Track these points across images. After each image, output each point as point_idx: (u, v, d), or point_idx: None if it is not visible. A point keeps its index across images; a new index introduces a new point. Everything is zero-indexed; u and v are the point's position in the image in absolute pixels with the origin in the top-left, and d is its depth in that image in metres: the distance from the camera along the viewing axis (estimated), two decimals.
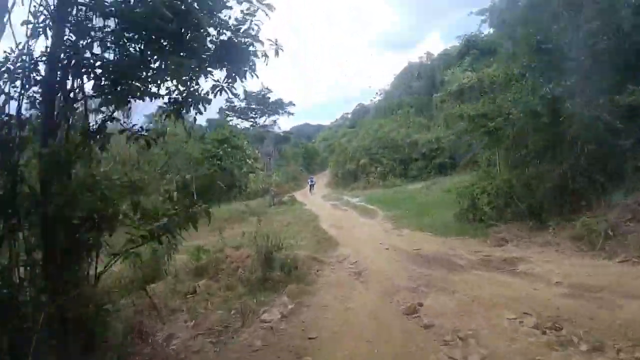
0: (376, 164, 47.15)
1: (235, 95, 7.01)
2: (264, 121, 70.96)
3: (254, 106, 69.86)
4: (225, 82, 6.40)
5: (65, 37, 5.34)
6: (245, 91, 68.47)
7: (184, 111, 6.48)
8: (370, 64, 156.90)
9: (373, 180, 46.06)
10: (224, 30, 6.08)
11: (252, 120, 70.73)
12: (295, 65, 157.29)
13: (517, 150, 16.01)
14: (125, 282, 9.50)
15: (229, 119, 69.66)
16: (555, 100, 13.35)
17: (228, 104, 68.52)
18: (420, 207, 24.90)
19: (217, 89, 6.49)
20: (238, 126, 69.04)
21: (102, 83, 5.56)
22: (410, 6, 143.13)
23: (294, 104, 72.49)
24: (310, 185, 49.69)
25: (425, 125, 48.22)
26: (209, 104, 6.29)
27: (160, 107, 6.72)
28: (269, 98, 70.09)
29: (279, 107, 71.04)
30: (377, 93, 67.00)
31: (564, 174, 14.09)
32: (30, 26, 5.19)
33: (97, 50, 5.63)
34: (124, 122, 6.73)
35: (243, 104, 69.48)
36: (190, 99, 6.28)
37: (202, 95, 6.37)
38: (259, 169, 50.98)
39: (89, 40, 5.48)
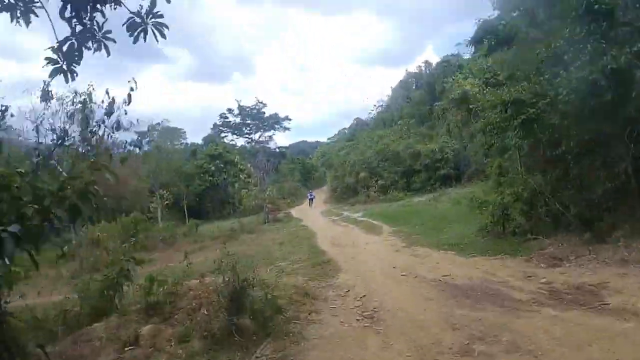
0: (377, 177, 43.78)
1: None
2: (259, 137, 67.73)
3: (248, 121, 66.66)
4: None
5: None
6: (239, 106, 65.58)
7: None
8: (367, 80, 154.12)
9: (374, 194, 42.64)
10: None
11: (247, 136, 67.50)
12: (292, 83, 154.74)
13: (555, 145, 12.45)
14: (69, 316, 8.01)
15: (223, 134, 66.41)
16: (621, 71, 9.86)
17: (222, 119, 65.32)
18: (432, 221, 21.55)
19: None
20: (233, 142, 65.85)
21: None
22: (402, 21, 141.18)
23: (289, 119, 69.50)
24: (310, 199, 48.17)
25: (426, 135, 44.90)
26: None
27: None
28: (264, 113, 67.00)
29: (274, 122, 67.94)
30: (375, 105, 63.78)
31: (631, 170, 10.60)
32: None
33: None
34: None
35: (238, 119, 66.32)
36: None
37: None
38: (253, 185, 47.62)
39: None
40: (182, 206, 47.67)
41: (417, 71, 56.39)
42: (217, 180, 47.30)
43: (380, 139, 47.23)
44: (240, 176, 47.44)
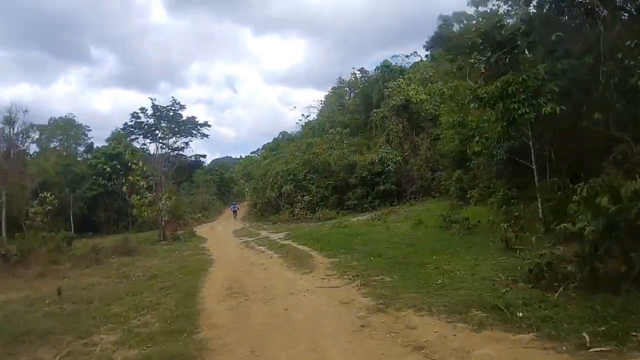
0: (303, 192, 35.54)
1: None
2: (174, 143, 57.67)
3: (163, 124, 56.36)
4: None
5: None
6: (153, 105, 55.39)
7: None
8: (296, 100, 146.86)
9: (300, 211, 34.47)
10: None
11: (161, 141, 57.18)
12: (218, 97, 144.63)
13: None
14: None
15: (134, 137, 55.94)
16: None
17: (133, 119, 54.92)
18: (395, 249, 13.92)
19: None
20: (144, 147, 55.46)
21: None
22: (334, 44, 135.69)
23: (209, 125, 60.03)
24: (234, 212, 44.16)
25: (362, 145, 37.21)
26: None
27: None
28: (181, 115, 57.12)
29: (192, 127, 58.16)
30: (303, 115, 54.83)
31: None
32: None
33: None
34: None
35: (151, 121, 55.93)
36: None
37: None
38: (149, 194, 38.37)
39: None
40: (67, 216, 37.02)
41: (351, 79, 48.84)
42: (113, 186, 36.98)
43: (309, 147, 39.04)
44: (142, 183, 37.75)
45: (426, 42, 41.18)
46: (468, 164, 22.82)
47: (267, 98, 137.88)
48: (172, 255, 19.43)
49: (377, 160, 32.98)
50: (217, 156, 78.58)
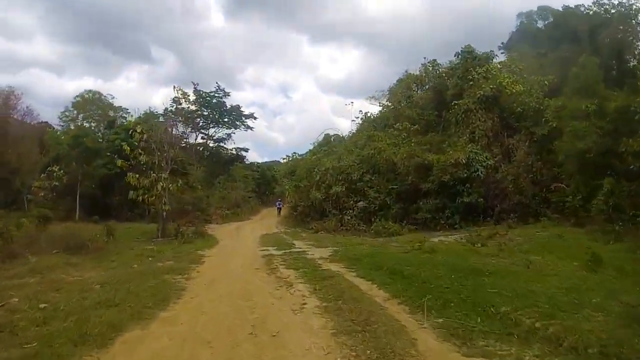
0: (357, 197, 26.41)
1: None
2: (215, 133, 49.56)
3: (205, 113, 48.32)
4: None
5: None
6: (196, 89, 47.34)
7: None
8: (349, 110, 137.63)
9: (351, 220, 25.45)
10: None
11: (203, 131, 49.15)
12: (271, 102, 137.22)
13: None
14: None
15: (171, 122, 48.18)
16: None
17: (174, 104, 47.21)
18: None
19: None
20: (185, 141, 47.68)
21: None
22: (390, 57, 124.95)
23: (255, 117, 51.27)
24: (278, 209, 39.27)
25: (438, 144, 27.61)
26: None
27: None
28: (224, 103, 48.80)
29: (235, 117, 49.70)
30: (360, 112, 44.37)
31: None
32: None
33: None
34: None
35: (193, 107, 47.85)
36: None
37: None
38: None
39: None
40: (75, 195, 29.50)
41: (421, 70, 38.82)
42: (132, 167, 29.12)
43: (370, 140, 29.77)
44: (142, 158, 30.03)
45: (502, 43, 38.74)
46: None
47: (320, 106, 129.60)
48: (131, 267, 11.21)
49: (463, 162, 23.41)
50: (265, 159, 71.04)
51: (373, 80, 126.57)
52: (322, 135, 42.05)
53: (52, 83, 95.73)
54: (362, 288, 8.79)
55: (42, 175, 29.64)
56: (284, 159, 58.81)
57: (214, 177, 43.19)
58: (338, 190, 27.03)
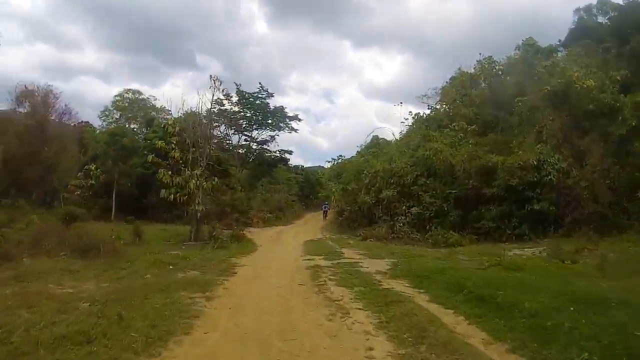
0: (411, 202, 23.65)
1: None
2: (259, 135, 47.71)
3: (248, 114, 46.55)
4: None
5: None
6: (238, 90, 45.60)
7: None
8: (394, 115, 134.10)
9: (402, 228, 22.62)
10: None
11: (246, 133, 47.34)
12: (314, 108, 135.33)
13: None
14: None
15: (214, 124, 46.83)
16: None
17: (216, 106, 45.96)
18: None
19: None
20: (227, 139, 46.19)
21: None
22: (436, 62, 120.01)
23: (299, 119, 49.25)
24: (324, 212, 36.96)
25: (503, 143, 24.51)
26: None
27: None
28: (268, 104, 46.93)
29: (279, 118, 47.72)
30: (410, 113, 40.69)
31: None
32: None
33: None
34: None
35: (236, 108, 46.21)
36: None
37: None
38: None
39: None
40: (111, 193, 28.18)
41: (476, 68, 35.60)
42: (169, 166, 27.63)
43: (425, 140, 26.94)
44: (175, 154, 28.43)
45: (559, 40, 36.08)
46: None
47: (364, 111, 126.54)
48: (142, 278, 9.42)
49: (534, 164, 20.35)
50: (309, 164, 68.70)
51: (417, 85, 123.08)
52: (370, 137, 39.44)
53: (100, 89, 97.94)
54: (445, 321, 6.30)
55: (79, 174, 28.51)
56: (329, 162, 56.60)
57: (256, 180, 41.34)
58: (389, 195, 24.49)
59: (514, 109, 27.18)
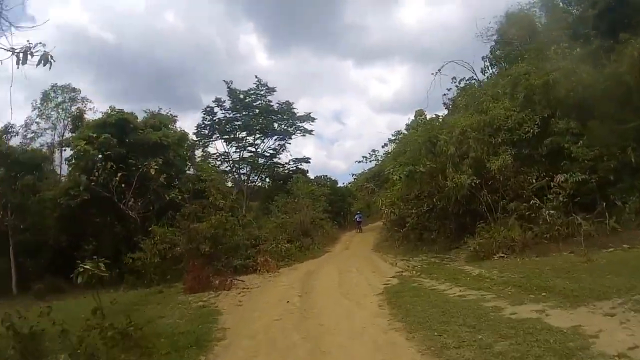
0: (537, 168, 11.31)
1: None
2: (261, 143, 35.04)
3: (243, 117, 33.79)
4: None
5: None
6: (230, 89, 33.33)
7: None
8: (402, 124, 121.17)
9: (556, 220, 10.00)
10: None
11: (239, 144, 34.78)
12: (325, 130, 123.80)
13: None
14: None
15: (205, 141, 34.67)
16: None
17: (207, 116, 34.10)
18: None
19: None
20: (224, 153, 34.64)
21: None
22: (436, 67, 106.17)
23: (313, 118, 36.19)
24: (357, 223, 30.48)
25: None
26: None
27: None
28: (269, 102, 34.27)
29: (286, 119, 35.05)
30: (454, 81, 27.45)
31: None
32: None
33: None
34: None
35: (229, 115, 34.09)
36: None
37: None
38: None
39: None
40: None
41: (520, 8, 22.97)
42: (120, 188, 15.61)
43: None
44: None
45: None
46: None
47: (376, 127, 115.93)
48: None
49: None
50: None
51: (423, 93, 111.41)
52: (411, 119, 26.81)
53: None
54: None
55: None
56: (354, 175, 43.65)
57: (268, 202, 29.14)
58: (503, 162, 12.08)
59: None
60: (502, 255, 10.53)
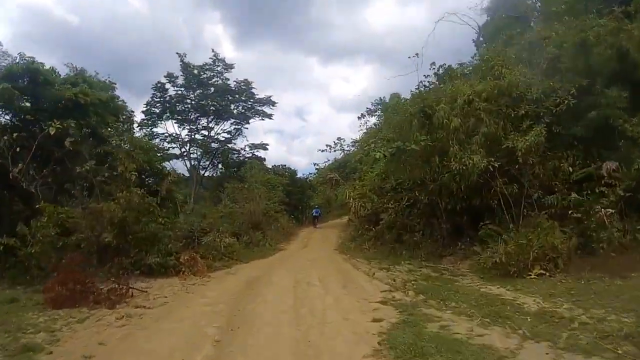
0: (573, 151, 7.85)
1: None
2: (214, 125, 30.62)
3: (201, 100, 29.38)
4: None
5: None
6: (183, 63, 28.74)
7: None
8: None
9: (614, 222, 6.41)
10: None
11: (191, 125, 30.18)
12: (288, 127, 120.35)
13: None
14: None
15: (155, 119, 29.97)
16: None
17: (157, 92, 29.26)
18: None
19: None
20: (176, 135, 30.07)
21: None
22: (400, 70, 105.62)
23: (274, 102, 31.93)
24: (314, 218, 28.50)
25: None
26: None
27: None
28: (226, 80, 29.89)
29: (244, 101, 30.74)
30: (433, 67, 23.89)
31: None
32: None
33: None
34: None
35: (182, 91, 29.59)
36: None
37: None
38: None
39: None
40: None
41: None
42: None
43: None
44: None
45: None
46: None
47: (337, 126, 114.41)
48: None
49: None
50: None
51: (387, 93, 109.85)
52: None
53: None
54: None
55: None
56: (322, 150, 38.86)
57: (220, 190, 24.85)
58: (532, 141, 8.51)
59: None
60: (542, 271, 6.94)
